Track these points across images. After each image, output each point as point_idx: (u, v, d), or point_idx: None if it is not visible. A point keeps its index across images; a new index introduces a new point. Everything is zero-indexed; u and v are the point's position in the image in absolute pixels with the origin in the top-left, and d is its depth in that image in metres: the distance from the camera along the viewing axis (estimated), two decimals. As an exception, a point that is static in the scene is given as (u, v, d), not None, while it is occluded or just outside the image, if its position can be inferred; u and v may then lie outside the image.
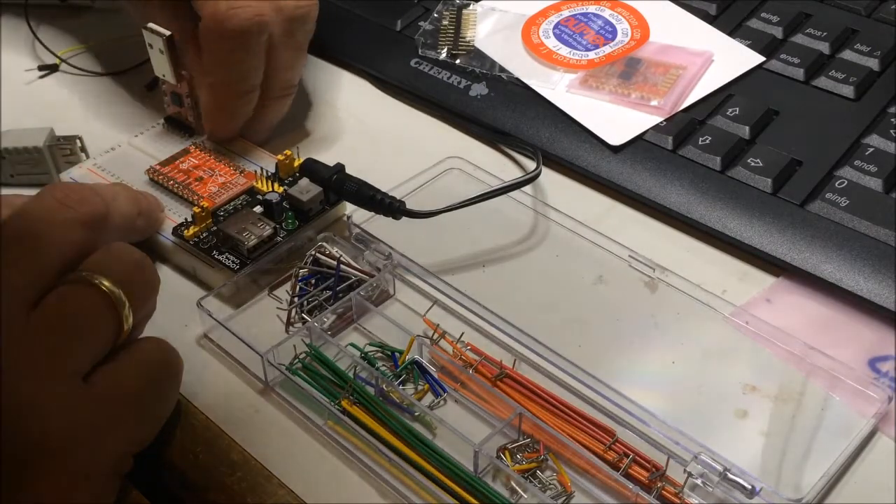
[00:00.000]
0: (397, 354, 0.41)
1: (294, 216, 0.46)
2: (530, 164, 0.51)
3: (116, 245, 0.38)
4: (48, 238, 0.35)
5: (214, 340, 0.43)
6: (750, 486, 0.35)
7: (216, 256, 0.44)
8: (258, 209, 0.46)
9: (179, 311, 0.44)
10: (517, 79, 0.53)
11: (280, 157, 0.48)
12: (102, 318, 0.35)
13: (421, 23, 0.57)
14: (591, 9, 0.57)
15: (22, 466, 0.33)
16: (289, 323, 0.43)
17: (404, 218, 0.44)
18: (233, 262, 0.44)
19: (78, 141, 0.50)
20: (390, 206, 0.44)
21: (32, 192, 0.38)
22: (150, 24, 0.47)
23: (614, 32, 0.55)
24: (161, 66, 0.49)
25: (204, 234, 0.45)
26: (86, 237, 0.37)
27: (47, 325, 0.34)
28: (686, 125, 0.49)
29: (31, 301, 0.34)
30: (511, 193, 0.47)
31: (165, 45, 0.47)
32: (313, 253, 0.44)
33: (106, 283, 0.35)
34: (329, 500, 0.37)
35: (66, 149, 0.50)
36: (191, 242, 0.45)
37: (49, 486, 0.33)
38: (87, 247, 0.37)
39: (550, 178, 0.50)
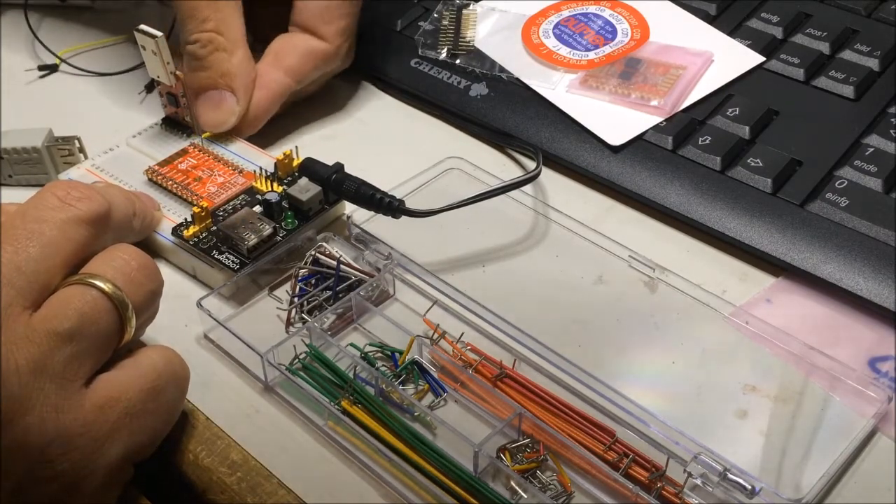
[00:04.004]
0: (397, 354, 0.41)
1: (294, 216, 0.46)
2: (530, 164, 0.51)
3: (120, 246, 0.37)
4: (50, 237, 0.35)
5: (214, 340, 0.43)
6: (750, 486, 0.35)
7: (216, 256, 0.44)
8: (258, 209, 0.46)
9: (179, 311, 0.44)
10: (517, 79, 0.53)
11: (279, 156, 0.48)
12: (105, 321, 0.35)
13: (421, 23, 0.57)
14: (591, 9, 0.57)
15: (21, 470, 0.33)
16: (289, 323, 0.43)
17: (404, 218, 0.44)
18: (233, 262, 0.44)
19: (76, 141, 0.50)
20: (390, 206, 0.44)
21: (31, 192, 0.38)
22: (142, 26, 0.47)
23: (614, 32, 0.55)
24: (155, 67, 0.49)
25: (203, 234, 0.45)
26: (88, 236, 0.37)
27: (49, 327, 0.33)
28: (686, 125, 0.49)
29: (33, 302, 0.34)
30: (511, 193, 0.47)
31: (158, 46, 0.47)
32: (313, 253, 0.44)
33: (109, 285, 0.35)
34: (329, 500, 0.37)
35: (64, 149, 0.50)
36: (190, 242, 0.45)
37: (47, 491, 0.33)
38: (90, 246, 0.37)
39: (550, 178, 0.50)
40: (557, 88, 0.52)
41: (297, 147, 0.49)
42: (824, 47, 0.52)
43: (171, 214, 0.47)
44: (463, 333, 0.42)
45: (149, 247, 0.45)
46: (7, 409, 0.32)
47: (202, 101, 0.50)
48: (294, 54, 0.51)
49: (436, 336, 0.41)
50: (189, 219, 0.46)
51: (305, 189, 0.46)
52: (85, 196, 0.37)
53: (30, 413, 0.32)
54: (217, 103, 0.50)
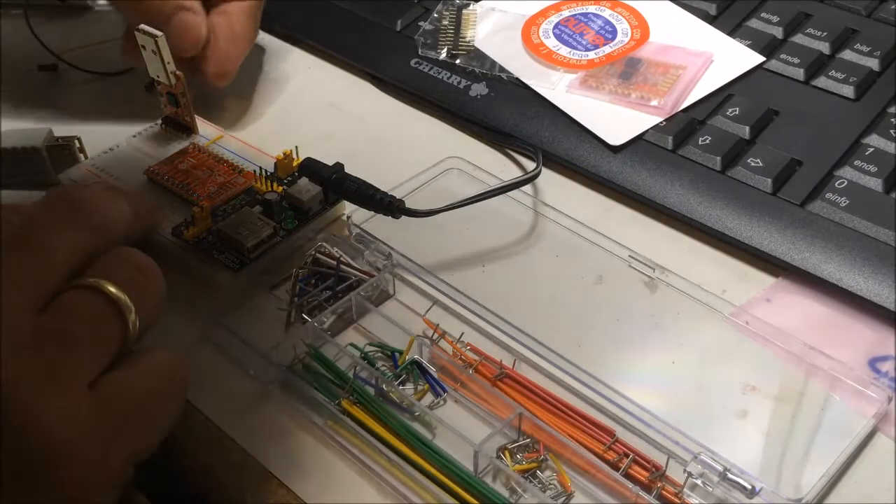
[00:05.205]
0: (397, 354, 0.41)
1: (294, 216, 0.46)
2: (530, 164, 0.51)
3: (124, 250, 0.37)
4: (56, 242, 0.35)
5: (214, 340, 0.43)
6: (750, 486, 0.35)
7: (216, 256, 0.44)
8: (258, 209, 0.46)
9: (179, 311, 0.43)
10: (517, 79, 0.53)
11: (279, 156, 0.48)
12: (109, 325, 0.35)
13: (421, 23, 0.57)
14: (591, 9, 0.57)
15: (22, 473, 0.33)
16: (289, 323, 0.43)
17: (404, 218, 0.44)
18: (233, 262, 0.44)
19: (76, 141, 0.50)
20: (389, 205, 0.44)
21: (31, 192, 0.38)
22: (142, 26, 0.47)
23: (614, 32, 0.55)
24: (155, 66, 0.49)
25: (204, 234, 0.45)
26: (93, 240, 0.37)
27: (54, 330, 0.33)
28: (686, 125, 0.49)
29: (38, 306, 0.34)
30: (511, 193, 0.47)
31: (158, 45, 0.47)
32: (313, 253, 0.44)
33: (113, 288, 0.35)
34: (329, 500, 0.37)
35: (64, 149, 0.50)
36: (191, 242, 0.45)
37: (48, 493, 0.33)
38: (91, 249, 0.37)
39: (550, 178, 0.50)
40: (557, 88, 0.52)
41: (297, 147, 0.49)
42: (824, 47, 0.52)
43: (172, 214, 0.47)
44: (463, 333, 0.42)
45: (149, 247, 0.45)
46: (8, 412, 0.32)
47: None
48: None
49: (436, 336, 0.41)
50: (189, 219, 0.46)
51: (305, 189, 0.46)
52: (90, 200, 0.37)
53: (32, 416, 0.32)
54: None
